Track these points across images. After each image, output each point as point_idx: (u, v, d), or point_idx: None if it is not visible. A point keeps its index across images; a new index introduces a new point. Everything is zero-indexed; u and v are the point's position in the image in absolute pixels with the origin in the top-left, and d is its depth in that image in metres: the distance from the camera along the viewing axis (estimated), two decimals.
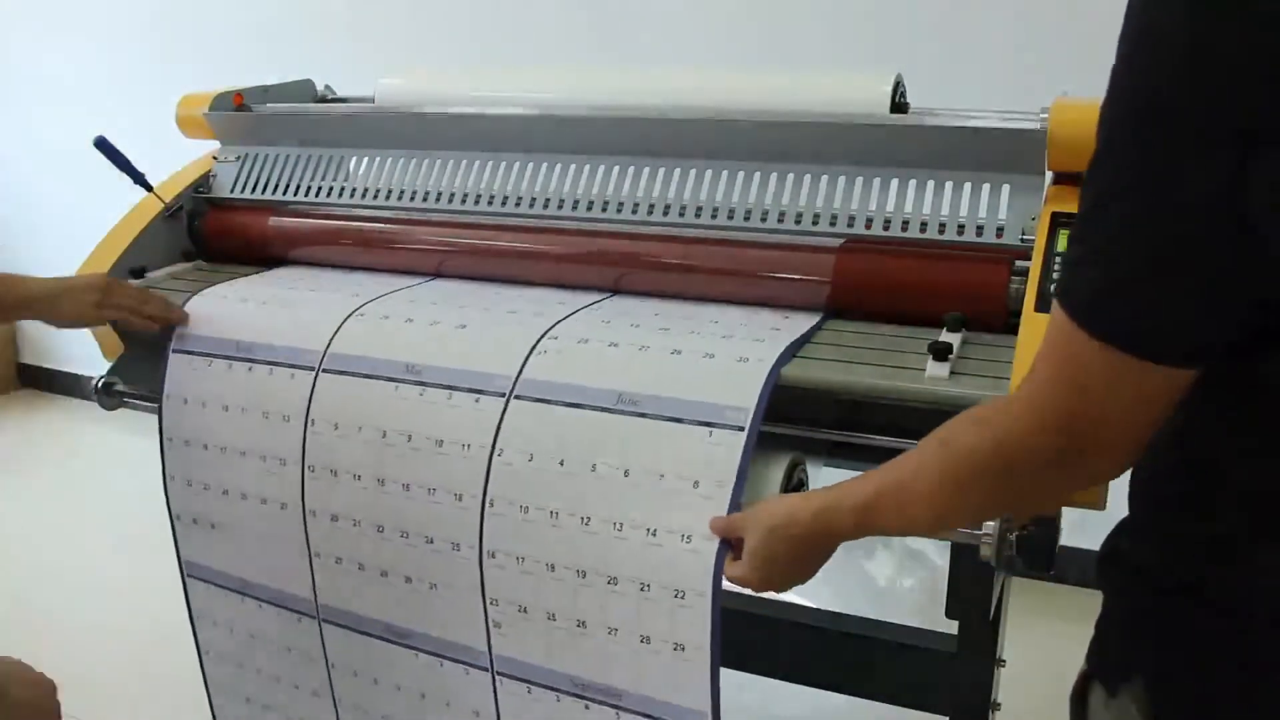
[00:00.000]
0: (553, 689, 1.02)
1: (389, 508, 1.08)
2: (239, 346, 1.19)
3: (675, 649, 0.93)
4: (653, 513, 0.94)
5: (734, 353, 0.99)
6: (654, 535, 0.93)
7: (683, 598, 0.92)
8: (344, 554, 1.13)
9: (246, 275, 1.33)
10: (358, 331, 1.14)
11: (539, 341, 1.04)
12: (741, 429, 0.92)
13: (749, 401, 0.93)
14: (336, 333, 1.14)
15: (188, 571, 1.29)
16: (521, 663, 1.04)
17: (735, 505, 0.90)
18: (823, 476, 1.07)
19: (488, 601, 1.03)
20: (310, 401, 1.12)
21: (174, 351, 1.23)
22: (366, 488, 1.09)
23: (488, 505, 1.01)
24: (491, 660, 1.05)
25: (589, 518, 0.96)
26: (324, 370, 1.13)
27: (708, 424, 0.93)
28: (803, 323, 1.05)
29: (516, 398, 1.02)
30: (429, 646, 1.10)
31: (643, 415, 0.96)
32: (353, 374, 1.11)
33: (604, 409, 0.98)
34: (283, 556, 1.17)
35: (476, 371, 1.05)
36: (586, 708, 1.00)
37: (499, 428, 1.01)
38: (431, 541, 1.05)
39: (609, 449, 0.96)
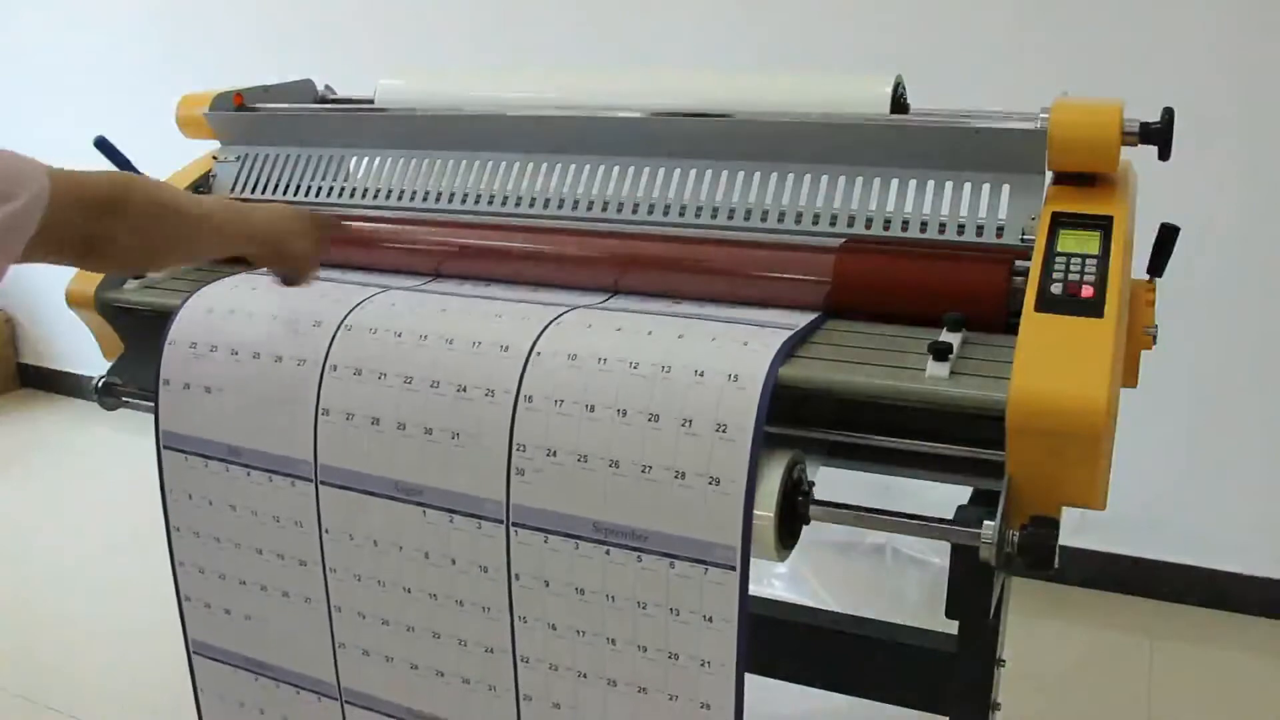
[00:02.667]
0: (571, 536, 1.01)
1: (423, 360, 1.07)
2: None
3: (710, 483, 0.94)
4: (701, 357, 0.97)
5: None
6: (700, 375, 0.96)
7: (724, 431, 0.93)
8: (358, 409, 1.10)
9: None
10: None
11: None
12: (789, 329, 1.00)
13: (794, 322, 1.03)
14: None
15: (165, 443, 1.24)
16: (540, 511, 1.02)
17: (779, 360, 0.95)
18: (823, 476, 1.07)
19: (514, 448, 1.02)
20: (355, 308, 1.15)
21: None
22: (404, 341, 1.08)
23: (534, 355, 1.02)
24: (508, 511, 1.04)
25: (637, 362, 0.98)
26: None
27: (753, 325, 1.01)
28: (803, 320, 1.05)
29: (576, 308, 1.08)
30: (440, 501, 1.08)
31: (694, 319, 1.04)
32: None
33: (657, 314, 1.06)
34: (284, 417, 1.14)
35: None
36: (607, 552, 1.00)
37: (558, 318, 1.07)
38: (464, 390, 1.04)
39: (664, 324, 1.03)
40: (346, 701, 1.20)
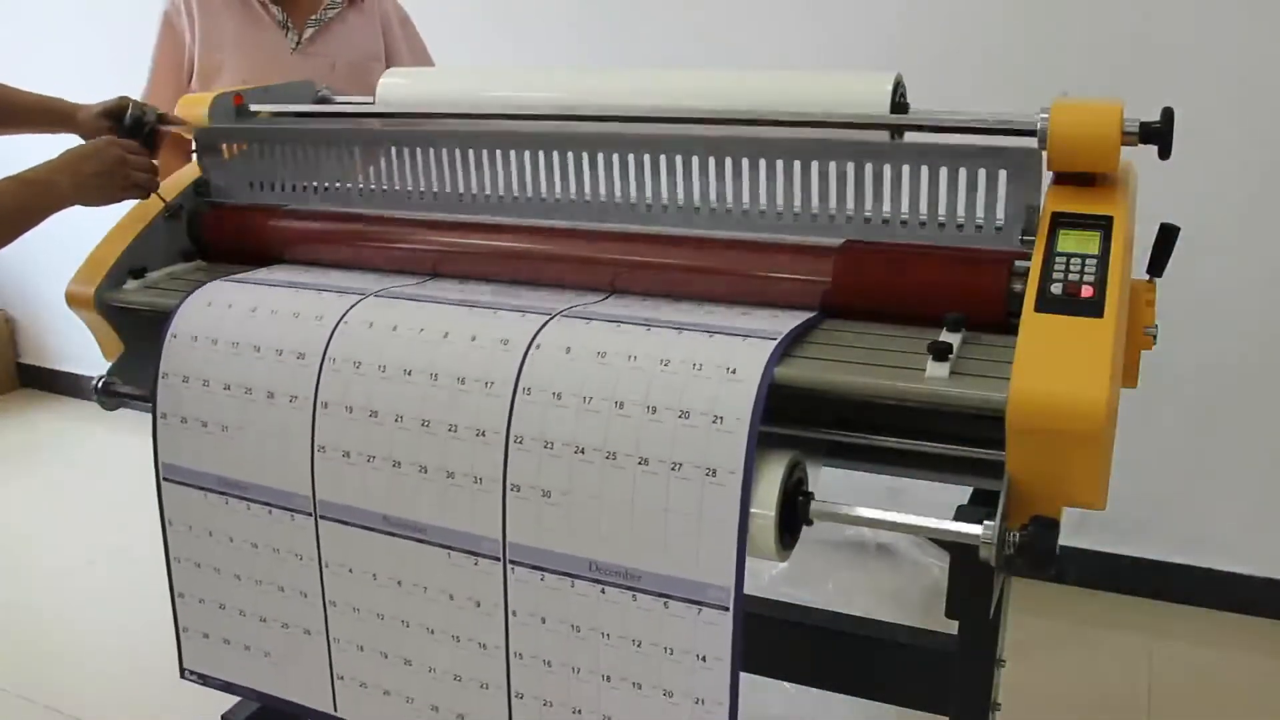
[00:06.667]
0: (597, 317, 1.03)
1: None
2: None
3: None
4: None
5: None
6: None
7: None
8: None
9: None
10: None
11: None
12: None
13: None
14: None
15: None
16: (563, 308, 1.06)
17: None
18: (823, 476, 1.07)
19: None
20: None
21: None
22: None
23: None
24: (537, 326, 1.05)
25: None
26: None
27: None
28: (802, 319, 1.05)
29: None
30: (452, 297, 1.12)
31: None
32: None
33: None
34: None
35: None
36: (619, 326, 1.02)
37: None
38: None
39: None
40: (321, 516, 1.16)
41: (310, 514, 1.16)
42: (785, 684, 1.44)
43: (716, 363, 0.97)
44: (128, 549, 2.55)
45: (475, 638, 1.09)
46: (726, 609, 0.95)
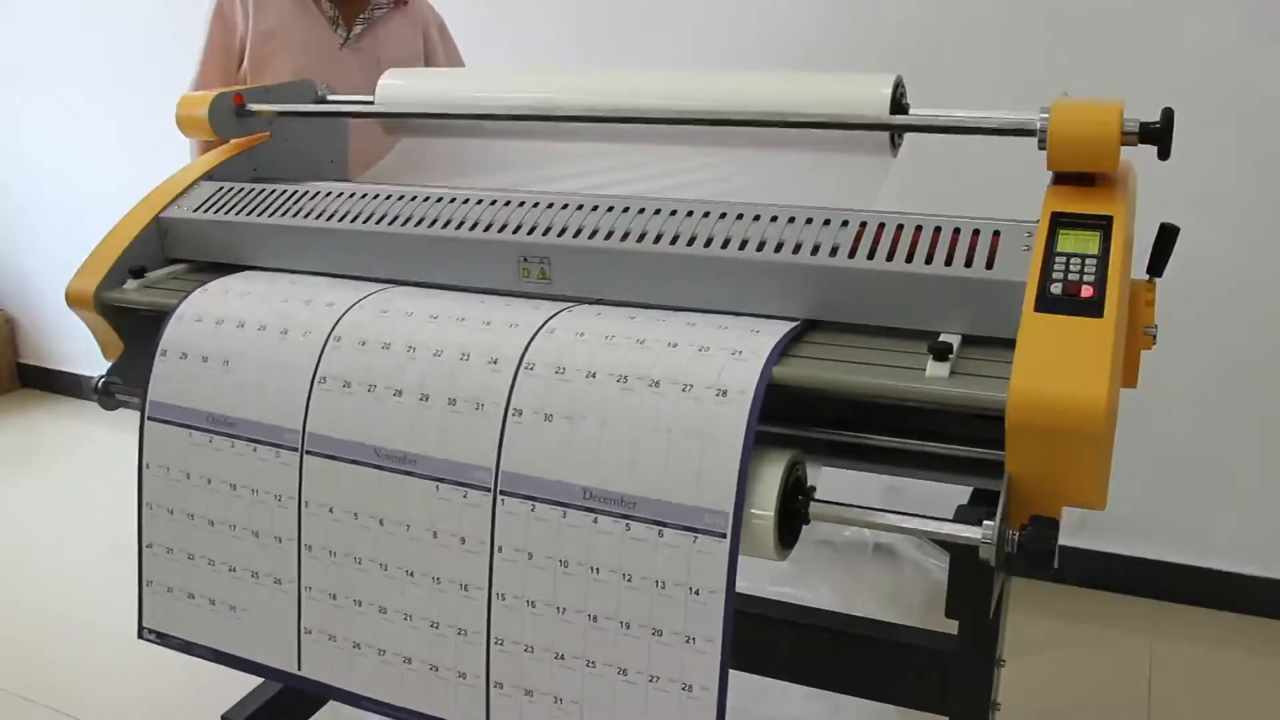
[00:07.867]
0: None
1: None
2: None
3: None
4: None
5: (745, 327, 1.03)
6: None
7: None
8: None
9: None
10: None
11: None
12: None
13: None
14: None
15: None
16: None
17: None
18: (823, 476, 1.07)
19: None
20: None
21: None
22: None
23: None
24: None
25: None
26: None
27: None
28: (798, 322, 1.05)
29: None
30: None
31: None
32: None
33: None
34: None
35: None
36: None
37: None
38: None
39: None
40: (308, 451, 1.13)
41: (296, 449, 1.13)
42: (785, 684, 1.44)
43: (739, 327, 1.01)
44: (128, 548, 2.55)
45: (457, 579, 1.06)
46: (724, 535, 0.93)
